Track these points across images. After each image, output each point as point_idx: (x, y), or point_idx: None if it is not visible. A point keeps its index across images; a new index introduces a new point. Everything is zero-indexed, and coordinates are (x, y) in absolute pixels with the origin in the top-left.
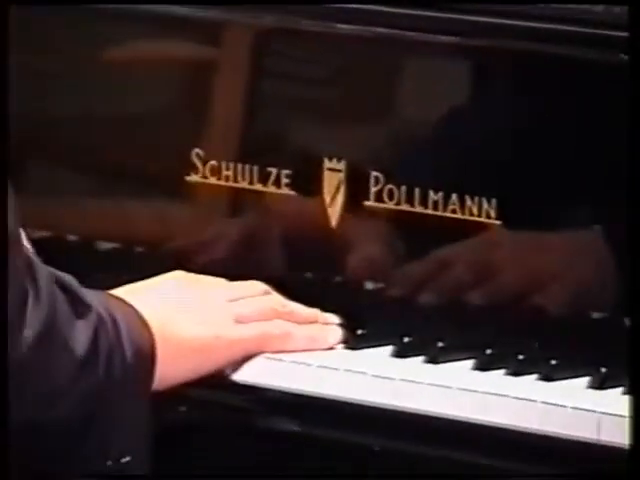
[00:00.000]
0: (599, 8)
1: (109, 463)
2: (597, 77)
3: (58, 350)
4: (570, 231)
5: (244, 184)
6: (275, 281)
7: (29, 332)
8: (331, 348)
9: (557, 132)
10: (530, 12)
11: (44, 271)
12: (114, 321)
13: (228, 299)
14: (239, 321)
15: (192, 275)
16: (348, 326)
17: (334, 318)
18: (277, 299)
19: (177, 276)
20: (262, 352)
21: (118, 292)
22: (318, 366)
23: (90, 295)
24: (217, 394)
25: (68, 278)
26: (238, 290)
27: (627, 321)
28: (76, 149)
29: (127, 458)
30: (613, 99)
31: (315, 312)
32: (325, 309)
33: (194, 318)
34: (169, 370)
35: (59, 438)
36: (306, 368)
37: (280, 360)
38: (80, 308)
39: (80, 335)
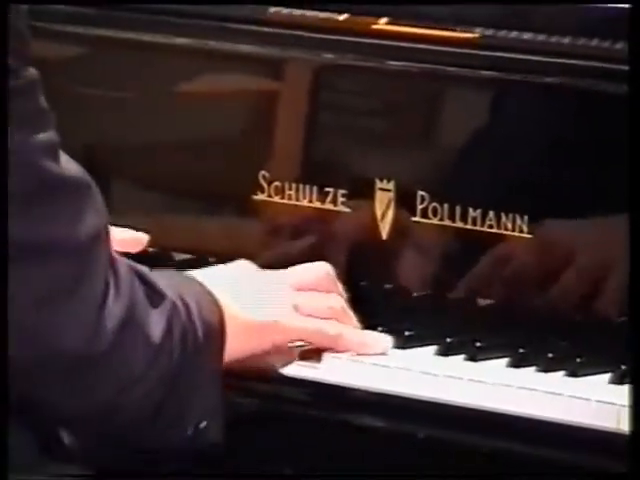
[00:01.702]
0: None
1: (189, 432)
2: (609, 105)
3: (136, 338)
4: (593, 243)
5: (305, 202)
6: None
7: (111, 322)
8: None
9: (579, 154)
10: (556, 49)
11: (124, 265)
12: (186, 305)
13: (294, 287)
14: (300, 312)
15: (256, 268)
16: (398, 328)
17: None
18: (338, 300)
19: (244, 264)
20: (312, 346)
21: (189, 274)
22: (372, 363)
23: (163, 281)
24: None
25: (144, 269)
26: (305, 276)
27: None
28: (157, 172)
29: (204, 423)
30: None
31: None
32: (376, 313)
33: (258, 301)
34: (231, 346)
35: (136, 418)
36: (361, 365)
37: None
38: (155, 298)
39: (155, 323)
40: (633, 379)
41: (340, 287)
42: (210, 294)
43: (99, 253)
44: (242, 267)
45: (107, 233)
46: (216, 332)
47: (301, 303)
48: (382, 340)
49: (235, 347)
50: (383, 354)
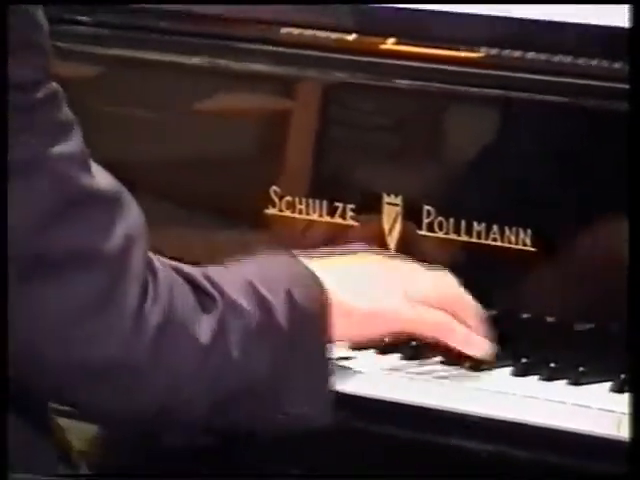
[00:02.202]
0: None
1: (280, 416)
2: (610, 122)
3: (179, 342)
4: (594, 256)
5: (315, 216)
6: None
7: (148, 328)
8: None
9: (580, 170)
10: (558, 68)
11: (164, 270)
12: (262, 301)
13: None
14: (412, 300)
15: (381, 258)
16: (402, 340)
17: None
18: (459, 291)
19: (368, 255)
20: (422, 335)
21: (311, 262)
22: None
23: (229, 283)
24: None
25: (195, 272)
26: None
27: None
28: (172, 186)
29: (305, 408)
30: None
31: (478, 310)
32: None
33: (370, 288)
34: (340, 331)
35: (197, 415)
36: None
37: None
38: (206, 301)
39: (204, 325)
40: (632, 385)
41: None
42: (313, 279)
43: (132, 262)
44: (361, 256)
45: (143, 240)
46: (313, 319)
47: (413, 291)
48: (486, 345)
49: (344, 333)
50: (485, 357)
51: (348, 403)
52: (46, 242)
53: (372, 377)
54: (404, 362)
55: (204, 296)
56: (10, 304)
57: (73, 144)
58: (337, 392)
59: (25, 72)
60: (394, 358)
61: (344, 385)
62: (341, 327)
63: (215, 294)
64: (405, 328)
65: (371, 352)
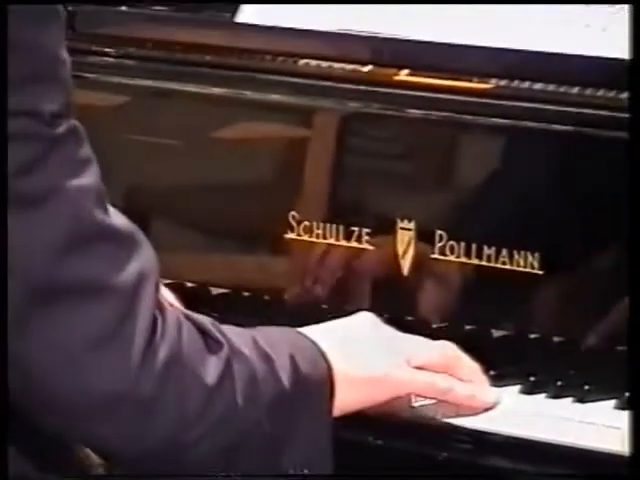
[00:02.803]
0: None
1: (291, 471)
2: (611, 151)
3: (185, 380)
4: (598, 277)
5: (332, 240)
6: None
7: (156, 364)
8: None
9: (585, 196)
10: (565, 99)
11: (172, 312)
12: (265, 356)
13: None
14: (411, 364)
15: (378, 321)
16: None
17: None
18: (457, 354)
19: (365, 318)
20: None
21: (311, 330)
22: None
23: (235, 335)
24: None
25: (203, 319)
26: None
27: None
28: (195, 212)
29: (305, 471)
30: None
31: (477, 369)
32: None
33: (368, 354)
34: (343, 400)
35: (210, 455)
36: None
37: None
38: (213, 345)
39: (211, 367)
40: (632, 403)
41: (465, 362)
42: (315, 349)
43: (143, 297)
44: (359, 320)
45: (154, 279)
46: (316, 385)
47: (412, 356)
48: (491, 393)
49: (347, 401)
50: (493, 407)
51: None
52: (60, 272)
53: None
54: None
55: (211, 340)
56: (19, 331)
57: (91, 179)
58: None
59: (48, 105)
60: None
61: None
62: (343, 395)
63: (222, 340)
64: (407, 392)
65: None
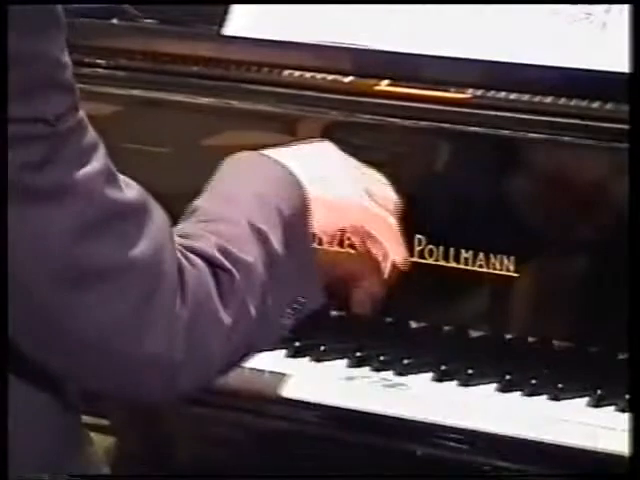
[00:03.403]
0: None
1: (295, 306)
2: (584, 155)
3: (208, 329)
4: (570, 280)
5: (315, 244)
6: (339, 319)
7: (182, 321)
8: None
9: (558, 201)
10: (539, 108)
11: (190, 264)
12: (263, 239)
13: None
14: (372, 198)
15: (338, 150)
16: (397, 357)
17: None
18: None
19: (329, 145)
20: (366, 229)
21: (282, 154)
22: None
23: (238, 240)
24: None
25: (209, 248)
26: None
27: (621, 355)
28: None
29: (303, 300)
30: (614, 177)
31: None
32: (379, 344)
33: (339, 181)
34: (317, 219)
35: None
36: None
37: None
38: (224, 279)
39: (227, 307)
40: (632, 406)
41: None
42: (292, 179)
43: (163, 267)
44: (325, 147)
45: (170, 243)
46: (301, 216)
47: (373, 192)
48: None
49: (321, 222)
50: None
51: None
52: (82, 256)
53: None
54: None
55: (222, 272)
56: (52, 315)
57: (99, 163)
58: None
59: (53, 109)
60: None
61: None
62: (319, 219)
63: (232, 269)
64: (364, 220)
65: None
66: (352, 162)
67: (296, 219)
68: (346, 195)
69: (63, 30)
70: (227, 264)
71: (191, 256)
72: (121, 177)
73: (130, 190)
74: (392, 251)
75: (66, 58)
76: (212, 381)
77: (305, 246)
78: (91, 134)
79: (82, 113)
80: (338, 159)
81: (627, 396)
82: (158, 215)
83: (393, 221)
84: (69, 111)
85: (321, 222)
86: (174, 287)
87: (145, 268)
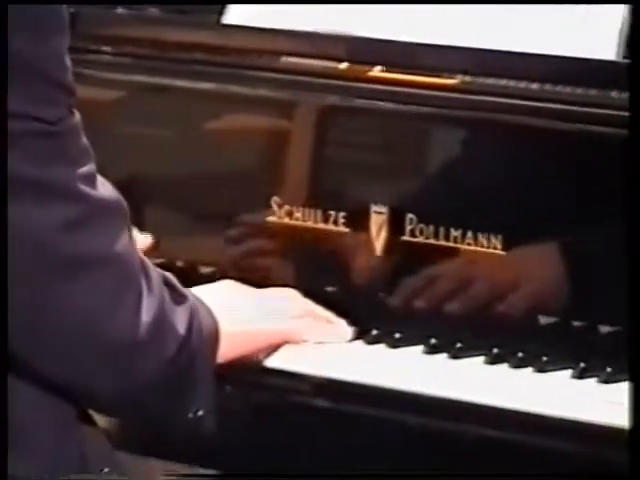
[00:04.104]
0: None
1: (190, 416)
2: (566, 140)
3: (166, 330)
4: (554, 257)
5: (310, 223)
6: (335, 295)
7: (146, 317)
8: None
9: (542, 182)
10: (524, 93)
11: (153, 269)
12: (200, 306)
13: (267, 302)
14: (276, 317)
15: (238, 284)
16: (389, 330)
17: (343, 321)
18: (306, 304)
19: (229, 283)
20: (290, 342)
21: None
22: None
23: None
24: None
25: (169, 275)
26: (274, 295)
27: (602, 328)
28: (185, 198)
29: (201, 412)
30: (608, 165)
31: (329, 314)
32: (372, 318)
33: (243, 313)
34: (223, 351)
35: (160, 400)
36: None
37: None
38: (178, 298)
39: (180, 319)
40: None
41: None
42: (207, 306)
43: (134, 261)
44: (225, 286)
45: (135, 243)
46: (214, 337)
47: (278, 310)
48: (343, 330)
49: (225, 352)
50: (344, 341)
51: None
52: (70, 249)
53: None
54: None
55: (176, 293)
56: (37, 301)
57: (89, 166)
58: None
59: (53, 108)
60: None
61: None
62: (223, 346)
63: (185, 293)
64: (281, 339)
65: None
66: (257, 293)
67: (211, 333)
68: (248, 326)
69: (67, 33)
70: (181, 289)
71: (158, 271)
72: (100, 178)
73: (111, 192)
74: (330, 335)
75: (68, 61)
76: (156, 382)
77: (210, 363)
78: (84, 138)
79: (78, 117)
80: (243, 294)
81: (609, 369)
82: (127, 215)
83: (307, 322)
84: (68, 112)
85: (223, 349)
86: (142, 279)
87: (120, 260)
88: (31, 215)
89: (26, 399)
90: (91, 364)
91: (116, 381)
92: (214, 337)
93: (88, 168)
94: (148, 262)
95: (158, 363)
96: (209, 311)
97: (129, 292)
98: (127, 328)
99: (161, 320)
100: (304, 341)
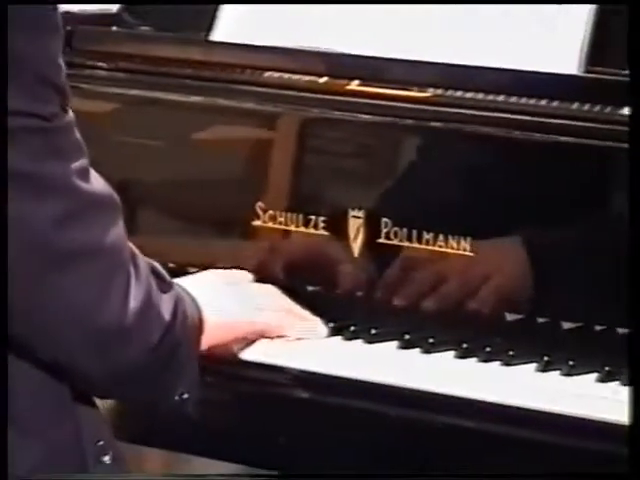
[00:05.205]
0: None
1: (176, 398)
2: (527, 149)
3: (152, 316)
4: (519, 257)
5: (292, 227)
6: (315, 294)
7: (134, 303)
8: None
9: (507, 188)
10: (490, 105)
11: (141, 258)
12: (185, 296)
13: (248, 296)
14: (256, 311)
15: (221, 272)
16: (366, 327)
17: (319, 319)
18: (284, 300)
19: (213, 273)
20: (267, 335)
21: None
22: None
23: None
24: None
25: (156, 265)
26: (256, 289)
27: (565, 324)
28: (175, 203)
29: (186, 395)
30: (568, 170)
31: (306, 312)
32: (349, 316)
33: (225, 305)
34: (205, 340)
35: (146, 382)
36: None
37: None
38: (164, 286)
39: (166, 306)
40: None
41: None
42: (191, 295)
43: (124, 251)
44: (209, 277)
45: (125, 237)
46: (197, 325)
47: (260, 303)
48: (320, 328)
49: (205, 340)
50: (319, 338)
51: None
52: (63, 241)
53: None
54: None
55: (161, 281)
56: (32, 292)
57: (83, 161)
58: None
59: (49, 106)
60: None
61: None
62: (205, 335)
63: (170, 280)
64: (259, 332)
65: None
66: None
67: (196, 321)
68: (228, 317)
69: (61, 35)
70: (166, 277)
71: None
72: (93, 173)
73: (103, 186)
74: (306, 331)
75: (62, 62)
76: (141, 366)
77: (197, 350)
78: (77, 134)
79: (71, 114)
80: (225, 287)
81: (571, 362)
82: (120, 208)
83: (284, 316)
84: (62, 109)
85: (206, 338)
86: (131, 268)
87: (111, 251)
88: (25, 209)
89: (26, 379)
90: (81, 348)
91: (104, 364)
92: (197, 325)
93: (81, 162)
94: (137, 252)
95: (144, 347)
96: (193, 300)
97: (118, 281)
98: (115, 315)
99: (148, 307)
100: (281, 336)
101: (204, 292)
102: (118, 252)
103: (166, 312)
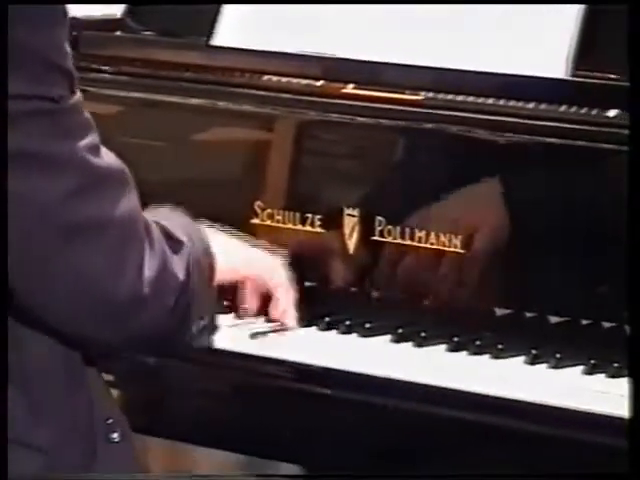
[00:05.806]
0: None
1: (194, 329)
2: (532, 151)
3: (168, 282)
4: (508, 256)
5: (290, 225)
6: (312, 289)
7: (149, 273)
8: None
9: (495, 188)
10: (479, 108)
11: (154, 227)
12: (194, 241)
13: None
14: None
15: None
16: (360, 321)
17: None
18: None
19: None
20: (265, 284)
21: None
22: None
23: (178, 228)
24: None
25: (165, 224)
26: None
27: (552, 319)
28: (177, 201)
29: (205, 321)
30: (545, 166)
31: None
32: (344, 309)
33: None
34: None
35: (165, 334)
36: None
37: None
38: (176, 246)
39: (179, 267)
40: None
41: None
42: (205, 242)
43: (138, 223)
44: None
45: (140, 211)
46: (212, 263)
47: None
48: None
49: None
50: (291, 324)
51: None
52: (76, 213)
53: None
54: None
55: (173, 241)
56: (46, 263)
57: (93, 137)
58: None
59: (57, 89)
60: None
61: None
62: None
63: (182, 239)
64: (260, 271)
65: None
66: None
67: (209, 260)
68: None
69: (66, 26)
70: (178, 236)
71: (157, 226)
72: (103, 149)
73: (114, 161)
74: (282, 298)
75: (67, 47)
76: (162, 326)
77: (210, 287)
78: (86, 113)
79: (79, 94)
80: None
81: (558, 355)
82: (132, 182)
83: (282, 272)
84: (70, 92)
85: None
86: (145, 238)
87: (124, 223)
88: (36, 186)
89: (39, 350)
90: (95, 319)
91: (121, 332)
92: (210, 264)
93: (91, 139)
94: (149, 221)
95: (161, 311)
96: (207, 247)
97: (132, 252)
98: (131, 286)
99: (163, 275)
100: (273, 290)
101: (218, 240)
102: (130, 225)
103: (180, 272)
